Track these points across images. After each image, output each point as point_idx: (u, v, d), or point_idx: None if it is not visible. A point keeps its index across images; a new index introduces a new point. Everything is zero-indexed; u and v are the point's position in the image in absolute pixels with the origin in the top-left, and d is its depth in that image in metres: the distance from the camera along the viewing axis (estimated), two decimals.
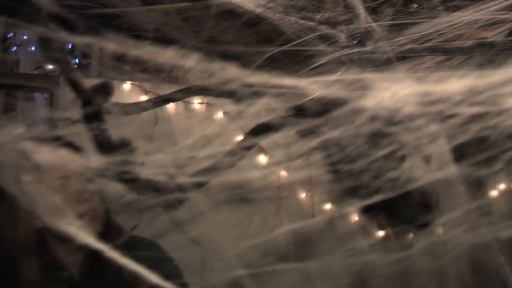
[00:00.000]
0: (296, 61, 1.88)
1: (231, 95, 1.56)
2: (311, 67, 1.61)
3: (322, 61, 1.60)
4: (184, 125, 3.03)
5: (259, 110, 2.52)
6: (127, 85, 2.98)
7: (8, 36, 3.27)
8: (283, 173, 3.19)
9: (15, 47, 3.33)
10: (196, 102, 3.06)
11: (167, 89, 2.65)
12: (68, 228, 1.17)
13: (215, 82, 1.90)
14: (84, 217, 1.62)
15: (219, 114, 3.10)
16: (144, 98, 2.94)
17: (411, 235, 3.42)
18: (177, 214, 2.98)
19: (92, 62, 3.12)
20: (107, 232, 1.67)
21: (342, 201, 3.15)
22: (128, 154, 1.29)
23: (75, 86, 1.35)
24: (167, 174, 1.40)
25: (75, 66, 3.18)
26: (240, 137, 3.01)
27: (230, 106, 3.00)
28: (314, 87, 1.43)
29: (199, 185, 1.46)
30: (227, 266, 3.15)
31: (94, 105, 1.30)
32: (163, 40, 2.75)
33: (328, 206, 3.26)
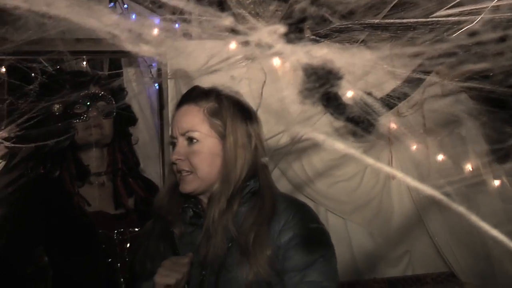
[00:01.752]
0: None
1: (387, 29, 1.51)
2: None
3: None
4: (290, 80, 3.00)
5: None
6: (233, 45, 2.96)
7: (110, 6, 3.33)
8: (393, 125, 3.12)
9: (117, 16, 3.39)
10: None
11: None
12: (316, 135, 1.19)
13: None
14: (179, 175, 1.72)
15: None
16: None
17: None
18: (292, 173, 3.00)
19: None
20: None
21: None
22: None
23: None
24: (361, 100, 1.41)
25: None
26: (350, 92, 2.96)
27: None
28: None
29: (389, 107, 1.47)
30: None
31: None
32: None
33: (440, 157, 3.17)
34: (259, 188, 1.72)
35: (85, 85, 2.37)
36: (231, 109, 1.73)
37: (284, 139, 2.77)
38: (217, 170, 1.69)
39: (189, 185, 1.70)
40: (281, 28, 1.18)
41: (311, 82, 1.28)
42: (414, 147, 3.22)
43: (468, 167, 3.21)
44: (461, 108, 3.07)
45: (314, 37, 1.49)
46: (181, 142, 1.70)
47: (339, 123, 3.00)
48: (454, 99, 3.10)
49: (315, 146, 2.96)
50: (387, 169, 1.04)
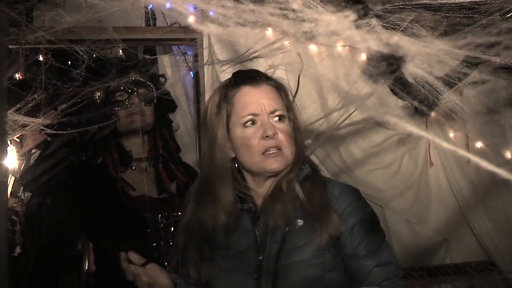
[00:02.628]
0: None
1: (440, 10, 1.49)
2: None
3: None
4: (328, 68, 2.98)
5: None
6: (269, 32, 2.94)
7: None
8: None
9: (151, 5, 3.38)
10: (339, 45, 2.98)
11: None
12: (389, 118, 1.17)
13: None
14: (267, 153, 1.67)
15: (363, 56, 3.01)
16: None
17: None
18: (330, 162, 2.99)
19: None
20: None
21: None
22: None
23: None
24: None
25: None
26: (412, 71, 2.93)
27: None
28: None
29: (450, 87, 1.46)
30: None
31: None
32: None
33: (479, 144, 3.12)
34: (311, 169, 1.77)
35: (127, 71, 2.38)
36: (289, 92, 1.82)
37: (324, 126, 2.75)
38: (294, 147, 1.73)
39: (280, 163, 1.69)
40: (352, 15, 1.16)
41: (377, 64, 1.26)
42: (452, 134, 3.18)
43: (508, 155, 3.16)
44: (501, 95, 3.02)
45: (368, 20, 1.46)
46: (268, 120, 1.69)
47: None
48: (493, 85, 3.05)
49: (354, 133, 2.95)
50: (462, 152, 1.02)
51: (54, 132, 2.31)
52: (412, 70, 1.42)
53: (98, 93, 2.37)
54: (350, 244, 1.65)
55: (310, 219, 1.65)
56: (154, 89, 2.44)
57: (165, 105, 2.56)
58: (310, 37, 1.31)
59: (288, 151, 1.69)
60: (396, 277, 1.67)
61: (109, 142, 2.41)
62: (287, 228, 1.66)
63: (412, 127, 1.09)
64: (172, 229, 2.28)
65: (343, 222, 1.66)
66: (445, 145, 1.08)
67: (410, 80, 1.46)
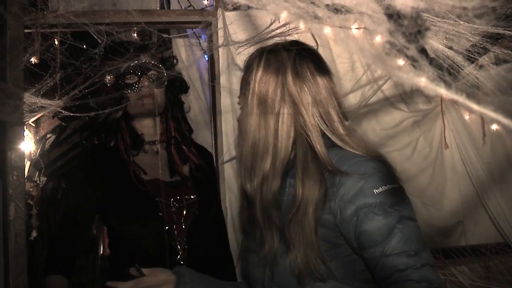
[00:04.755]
0: None
1: None
2: None
3: None
4: (343, 50, 2.97)
5: None
6: (284, 14, 2.93)
7: None
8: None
9: None
10: (354, 28, 2.97)
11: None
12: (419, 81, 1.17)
13: None
14: None
15: (377, 39, 2.99)
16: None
17: None
18: None
19: None
20: None
21: None
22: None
23: None
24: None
25: None
26: (400, 61, 2.91)
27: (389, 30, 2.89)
28: None
29: (471, 62, 1.45)
30: None
31: None
32: None
33: (495, 126, 3.11)
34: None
35: (138, 53, 2.36)
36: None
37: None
38: None
39: None
40: None
41: (410, 23, 1.24)
42: (467, 116, 3.17)
43: None
44: None
45: None
46: None
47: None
48: (508, 67, 3.02)
49: (369, 115, 2.94)
50: (492, 114, 1.00)
51: (66, 114, 2.30)
52: (432, 44, 1.41)
53: (108, 77, 2.35)
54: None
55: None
56: (164, 71, 2.43)
57: (176, 86, 2.55)
58: None
59: None
60: None
61: (120, 125, 2.40)
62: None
63: (443, 90, 1.08)
64: (185, 212, 2.29)
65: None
66: (475, 107, 1.06)
67: (431, 54, 1.45)
